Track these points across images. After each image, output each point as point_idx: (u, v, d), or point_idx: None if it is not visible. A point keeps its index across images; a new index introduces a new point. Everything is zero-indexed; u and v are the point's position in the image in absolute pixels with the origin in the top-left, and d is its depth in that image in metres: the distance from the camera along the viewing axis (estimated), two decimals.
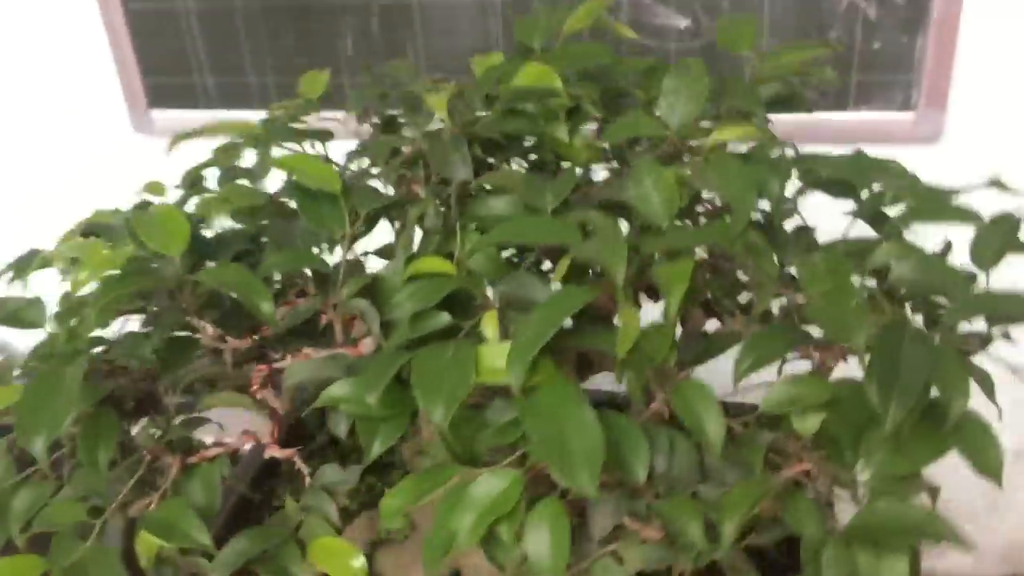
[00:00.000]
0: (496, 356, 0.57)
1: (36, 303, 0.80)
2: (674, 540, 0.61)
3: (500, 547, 0.62)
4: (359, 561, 0.66)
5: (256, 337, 0.65)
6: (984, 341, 0.65)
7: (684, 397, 0.61)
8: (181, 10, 1.42)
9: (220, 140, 0.73)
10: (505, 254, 0.67)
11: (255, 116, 0.73)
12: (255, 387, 0.65)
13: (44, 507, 0.70)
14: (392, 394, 0.61)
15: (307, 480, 0.75)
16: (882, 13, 1.20)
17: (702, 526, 0.58)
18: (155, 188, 0.69)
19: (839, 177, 0.69)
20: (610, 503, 0.62)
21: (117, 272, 0.60)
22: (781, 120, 0.76)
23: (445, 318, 0.61)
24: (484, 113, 0.69)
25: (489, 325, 0.59)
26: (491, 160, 0.68)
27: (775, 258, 0.66)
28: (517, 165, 0.70)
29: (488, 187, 0.66)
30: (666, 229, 0.60)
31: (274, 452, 0.74)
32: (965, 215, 0.67)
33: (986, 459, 0.62)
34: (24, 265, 0.72)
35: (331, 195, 0.63)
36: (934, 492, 0.64)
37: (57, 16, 1.53)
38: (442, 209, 0.64)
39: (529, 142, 0.70)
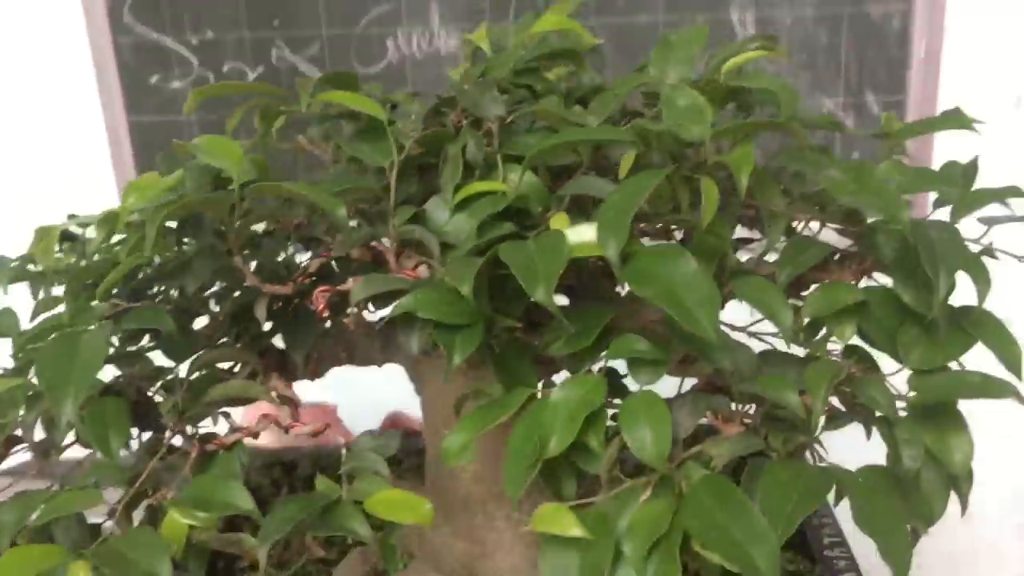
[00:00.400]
0: (583, 235, 0.57)
1: (8, 312, 0.74)
2: (756, 429, 0.61)
3: (589, 456, 0.59)
4: (427, 505, 0.61)
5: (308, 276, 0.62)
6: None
7: (750, 285, 0.62)
8: (184, 123, 1.44)
9: None
10: None
11: None
12: (320, 307, 0.61)
13: (52, 497, 0.62)
14: (465, 305, 0.59)
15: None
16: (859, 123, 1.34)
17: (798, 396, 0.58)
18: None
19: None
20: (689, 403, 0.62)
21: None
22: None
23: (510, 226, 0.61)
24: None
25: (560, 222, 0.59)
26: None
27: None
28: None
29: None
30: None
31: (300, 430, 0.69)
32: None
33: (1008, 354, 0.66)
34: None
35: (378, 126, 0.63)
36: None
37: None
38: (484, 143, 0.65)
39: None
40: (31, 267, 0.75)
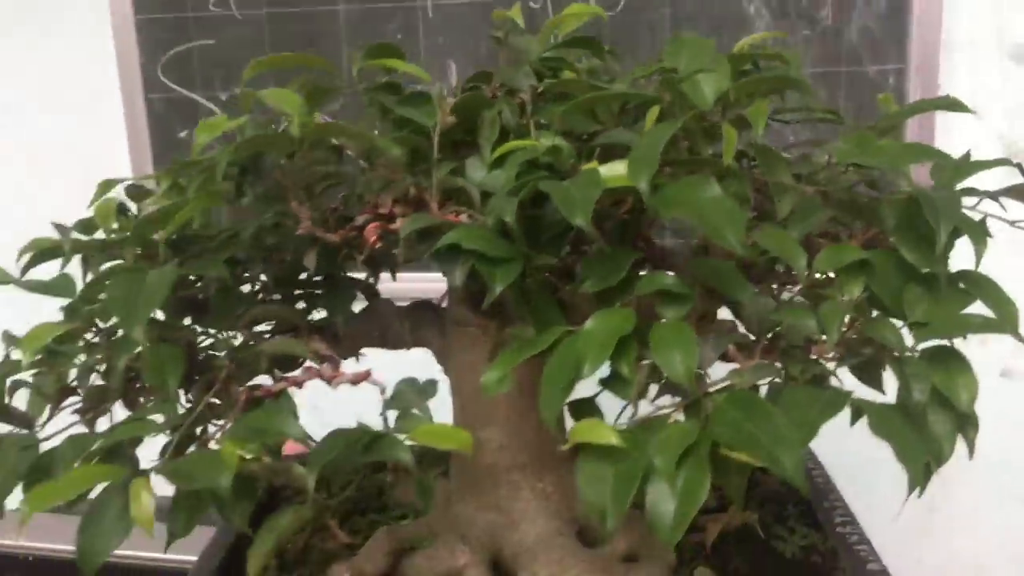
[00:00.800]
0: (615, 170, 0.62)
1: (65, 276, 0.78)
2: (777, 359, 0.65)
3: (622, 384, 0.63)
4: (467, 434, 0.65)
5: (354, 228, 0.67)
6: None
7: (767, 233, 0.67)
8: None
9: None
10: None
11: None
12: (372, 240, 0.66)
13: (111, 431, 0.65)
14: (505, 242, 0.64)
15: None
16: None
17: (815, 322, 0.63)
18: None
19: None
20: (712, 338, 0.66)
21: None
22: None
23: (544, 173, 0.66)
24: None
25: (591, 169, 0.65)
26: None
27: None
28: None
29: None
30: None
31: (343, 380, 0.72)
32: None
33: (1005, 312, 0.71)
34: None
35: (423, 93, 0.69)
36: None
37: None
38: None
39: None
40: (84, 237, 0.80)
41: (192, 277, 0.78)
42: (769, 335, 0.68)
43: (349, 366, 0.76)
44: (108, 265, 0.70)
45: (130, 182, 0.76)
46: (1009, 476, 1.67)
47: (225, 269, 0.69)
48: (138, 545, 1.28)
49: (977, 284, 0.72)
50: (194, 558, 0.94)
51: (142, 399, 0.76)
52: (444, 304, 0.88)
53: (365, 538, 0.91)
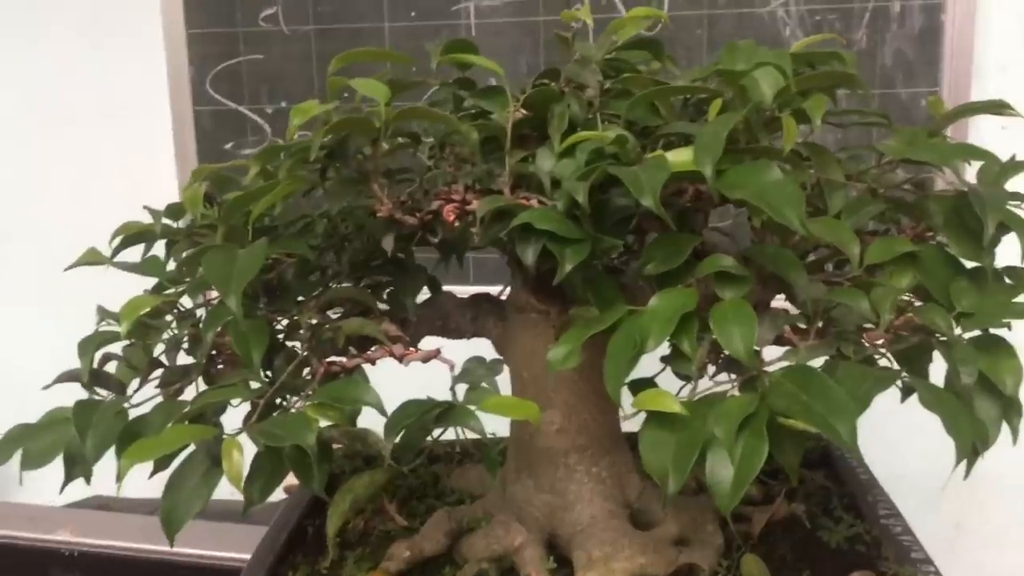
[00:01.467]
0: (681, 156, 0.66)
1: (154, 259, 0.84)
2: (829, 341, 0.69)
3: (683, 360, 0.67)
4: (535, 406, 0.68)
5: (429, 213, 0.71)
6: None
7: (823, 224, 0.71)
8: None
9: None
10: None
11: None
12: (451, 219, 0.70)
13: (209, 390, 0.70)
14: (575, 224, 0.68)
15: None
16: None
17: (868, 301, 0.66)
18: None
19: None
20: (768, 319, 0.69)
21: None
22: None
23: (612, 160, 0.70)
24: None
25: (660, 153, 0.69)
26: None
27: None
28: None
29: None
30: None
31: (414, 357, 0.76)
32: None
33: None
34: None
35: (497, 87, 0.74)
36: None
37: None
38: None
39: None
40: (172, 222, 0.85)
41: (268, 261, 0.82)
42: (821, 321, 0.72)
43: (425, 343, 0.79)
44: (196, 248, 0.75)
45: (223, 165, 0.81)
46: None
47: (310, 249, 0.74)
48: (189, 542, 1.33)
49: (1022, 278, 0.76)
50: (247, 556, 0.97)
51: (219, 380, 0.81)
52: (503, 296, 0.93)
53: (422, 522, 0.95)
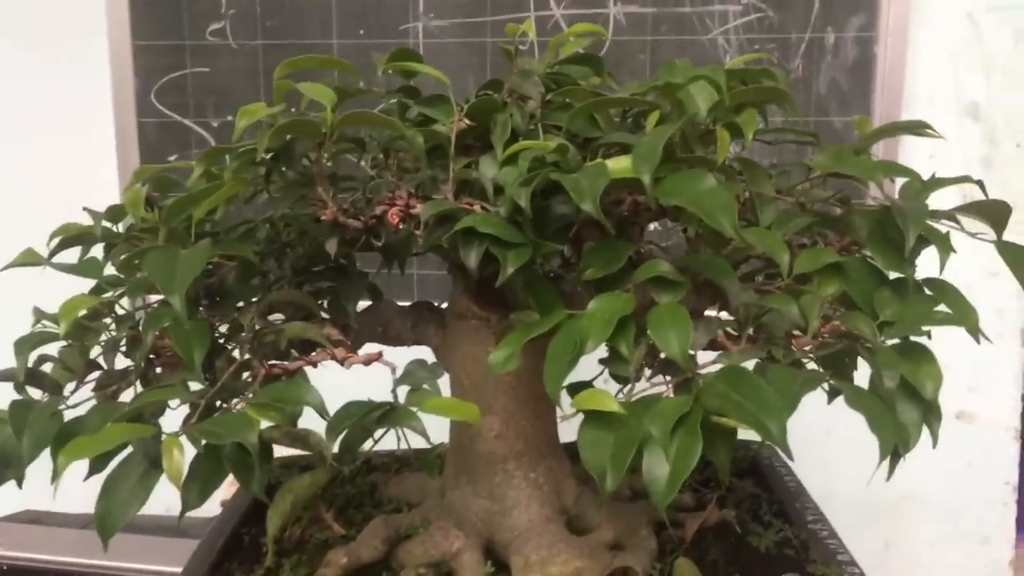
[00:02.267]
0: (620, 164, 0.68)
1: (92, 260, 0.83)
2: (762, 345, 0.71)
3: (621, 362, 0.69)
4: (475, 407, 0.69)
5: (373, 217, 0.72)
6: None
7: (754, 232, 0.73)
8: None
9: None
10: None
11: None
12: (395, 222, 0.71)
13: (147, 390, 0.69)
14: (517, 229, 0.70)
15: None
16: None
17: (798, 307, 0.69)
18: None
19: None
20: (702, 323, 0.72)
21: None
22: None
23: (553, 167, 0.72)
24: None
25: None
26: None
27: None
28: None
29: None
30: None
31: (356, 360, 0.77)
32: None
33: (966, 317, 0.77)
34: None
35: (442, 96, 0.76)
36: None
37: None
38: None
39: None
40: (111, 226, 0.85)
41: (209, 266, 0.82)
42: (752, 327, 0.74)
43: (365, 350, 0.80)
44: (136, 249, 0.75)
45: (165, 166, 0.81)
46: (963, 515, 1.76)
47: (252, 252, 0.74)
48: (122, 555, 1.31)
49: (941, 289, 0.79)
50: (178, 569, 0.96)
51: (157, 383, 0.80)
52: (443, 304, 0.94)
53: (359, 530, 0.95)
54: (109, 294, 0.77)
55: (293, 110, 0.73)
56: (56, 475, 0.64)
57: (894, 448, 0.71)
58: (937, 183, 0.82)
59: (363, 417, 0.70)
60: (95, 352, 0.78)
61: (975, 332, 0.76)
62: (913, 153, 1.52)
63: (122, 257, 0.75)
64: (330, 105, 0.68)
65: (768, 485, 1.06)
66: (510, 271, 0.68)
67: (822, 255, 0.77)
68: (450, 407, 0.70)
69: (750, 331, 0.73)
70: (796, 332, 0.76)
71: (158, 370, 0.81)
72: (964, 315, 0.77)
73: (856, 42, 1.56)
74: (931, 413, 0.74)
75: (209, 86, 1.68)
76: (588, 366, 0.74)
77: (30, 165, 1.82)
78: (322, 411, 0.69)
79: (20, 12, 1.77)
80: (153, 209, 0.85)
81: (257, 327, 0.78)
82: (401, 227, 0.71)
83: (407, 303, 0.95)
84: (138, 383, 0.79)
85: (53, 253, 0.83)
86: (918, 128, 0.85)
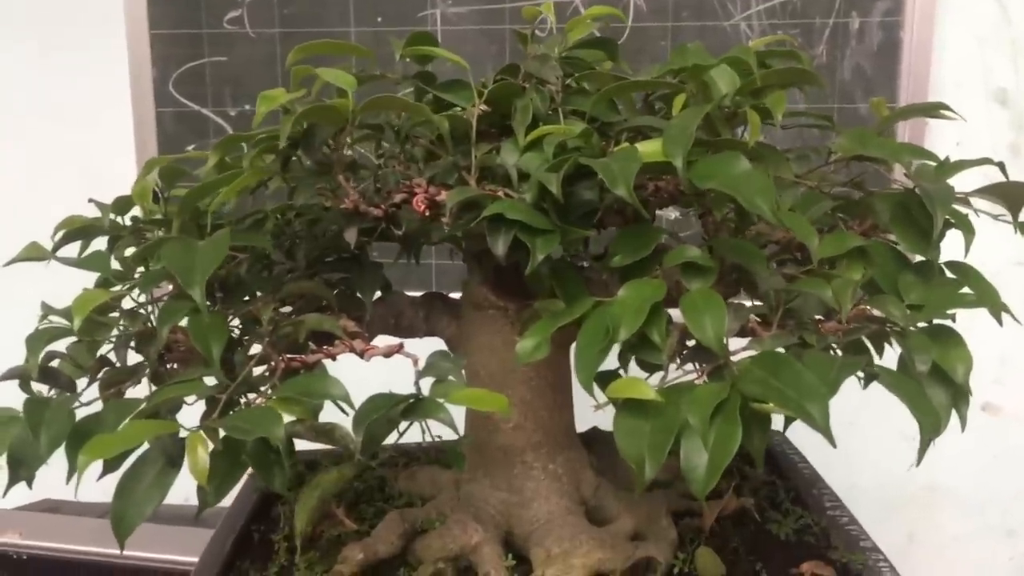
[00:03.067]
0: (650, 148, 0.67)
1: (100, 254, 0.81)
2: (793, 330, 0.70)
3: (652, 350, 0.68)
4: (504, 397, 0.68)
5: (393, 205, 0.71)
6: None
7: (785, 215, 0.72)
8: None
9: None
10: None
11: None
12: (421, 208, 0.69)
13: (165, 386, 0.67)
14: (544, 215, 0.68)
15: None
16: None
17: (831, 292, 0.68)
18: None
19: None
20: (734, 309, 0.70)
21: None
22: None
23: (578, 152, 0.71)
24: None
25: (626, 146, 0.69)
26: None
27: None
28: None
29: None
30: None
31: (376, 352, 0.75)
32: None
33: (989, 299, 0.77)
34: None
35: (461, 80, 0.74)
36: None
37: None
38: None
39: None
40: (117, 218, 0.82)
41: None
42: (781, 312, 0.73)
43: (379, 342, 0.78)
44: (150, 241, 0.72)
45: (178, 156, 0.79)
46: (989, 508, 1.75)
47: (268, 243, 0.72)
48: (141, 545, 1.29)
49: (964, 273, 0.79)
50: (196, 559, 0.94)
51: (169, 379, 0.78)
52: (456, 295, 0.92)
53: (372, 525, 0.93)
54: (117, 288, 0.74)
55: (310, 97, 0.71)
56: (79, 472, 0.62)
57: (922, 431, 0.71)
58: (955, 166, 0.81)
59: (389, 410, 0.68)
60: (105, 348, 0.76)
61: (998, 314, 0.75)
62: (939, 140, 1.51)
63: (130, 250, 0.72)
64: (350, 89, 0.66)
65: (783, 473, 1.05)
66: (540, 258, 0.66)
67: (847, 239, 0.76)
68: (478, 398, 0.69)
69: (779, 316, 0.72)
70: (818, 317, 0.75)
71: (170, 366, 0.79)
72: (987, 297, 0.77)
73: (881, 27, 1.54)
74: (960, 397, 0.74)
75: (227, 75, 1.66)
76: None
77: (49, 157, 1.80)
78: (349, 402, 0.67)
79: (37, 3, 1.74)
80: (159, 201, 0.82)
81: (275, 319, 0.76)
82: (428, 214, 0.69)
83: (419, 294, 0.93)
84: (146, 380, 0.77)
85: (57, 246, 0.81)
86: (936, 109, 0.85)
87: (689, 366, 0.71)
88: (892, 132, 0.86)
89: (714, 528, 0.93)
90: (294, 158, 0.72)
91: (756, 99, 0.74)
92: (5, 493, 0.71)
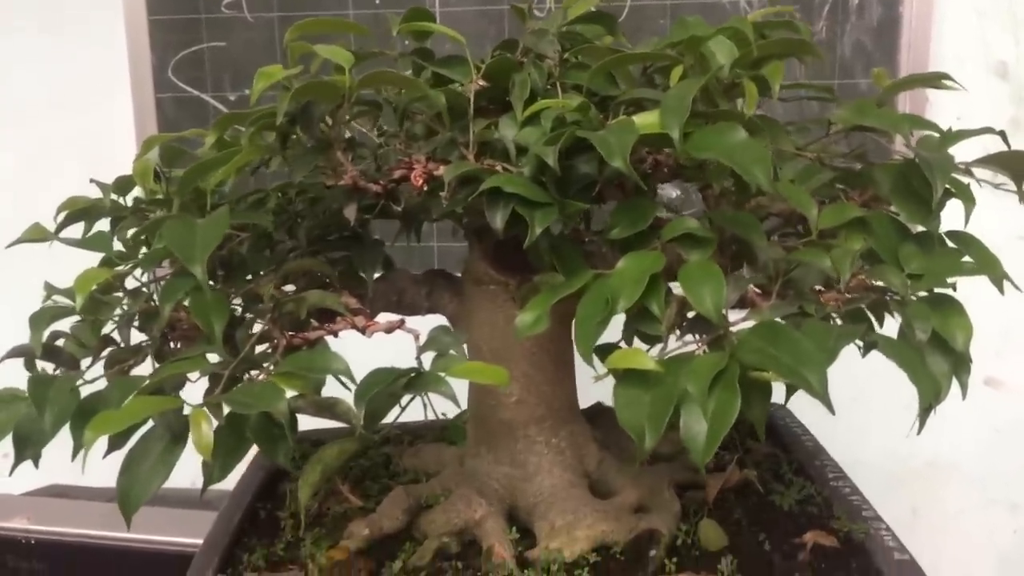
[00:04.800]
0: (647, 120, 0.67)
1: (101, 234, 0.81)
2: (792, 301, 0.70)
3: (651, 321, 0.68)
4: (503, 369, 0.68)
5: (392, 181, 0.71)
6: None
7: (783, 185, 0.72)
8: None
9: None
10: None
11: None
12: (420, 183, 0.69)
13: (167, 363, 0.68)
14: (543, 189, 0.69)
15: None
16: None
17: (829, 261, 0.68)
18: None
19: None
20: (732, 279, 0.71)
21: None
22: None
23: (576, 126, 0.71)
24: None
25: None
26: None
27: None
28: None
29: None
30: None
31: (377, 328, 0.76)
32: None
33: (990, 268, 0.77)
34: None
35: (459, 56, 0.74)
36: None
37: None
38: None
39: None
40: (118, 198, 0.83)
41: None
42: (780, 282, 0.73)
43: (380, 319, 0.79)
44: (150, 220, 0.73)
45: (175, 136, 0.79)
46: (992, 481, 1.74)
47: (268, 220, 0.72)
48: (148, 528, 1.31)
49: (965, 241, 0.79)
50: (198, 541, 0.95)
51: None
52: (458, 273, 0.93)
53: (377, 502, 0.94)
54: (120, 267, 0.75)
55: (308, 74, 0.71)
56: (84, 449, 0.62)
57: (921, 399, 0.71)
58: (956, 135, 0.81)
59: (390, 384, 0.68)
60: (108, 327, 0.76)
61: (1000, 283, 0.75)
62: (941, 114, 1.49)
63: (132, 230, 0.73)
64: (348, 66, 0.66)
65: (785, 445, 1.06)
66: (538, 231, 0.66)
67: (846, 210, 0.76)
68: (478, 371, 0.69)
69: (778, 286, 0.72)
70: (818, 287, 0.75)
71: (172, 344, 0.80)
72: (988, 266, 0.77)
73: (881, 2, 1.53)
74: (961, 365, 0.74)
75: (225, 60, 1.66)
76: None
77: (50, 144, 1.80)
78: (350, 376, 0.68)
79: None
80: (160, 180, 0.83)
81: (277, 296, 0.77)
82: (425, 188, 0.69)
83: (420, 272, 0.94)
84: (150, 358, 0.78)
85: (60, 228, 0.81)
86: (937, 79, 0.84)
87: (688, 337, 0.71)
88: (893, 106, 0.85)
89: (717, 500, 0.93)
90: (293, 136, 0.72)
91: (754, 70, 0.73)
92: (12, 472, 0.72)
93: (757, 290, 0.72)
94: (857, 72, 1.55)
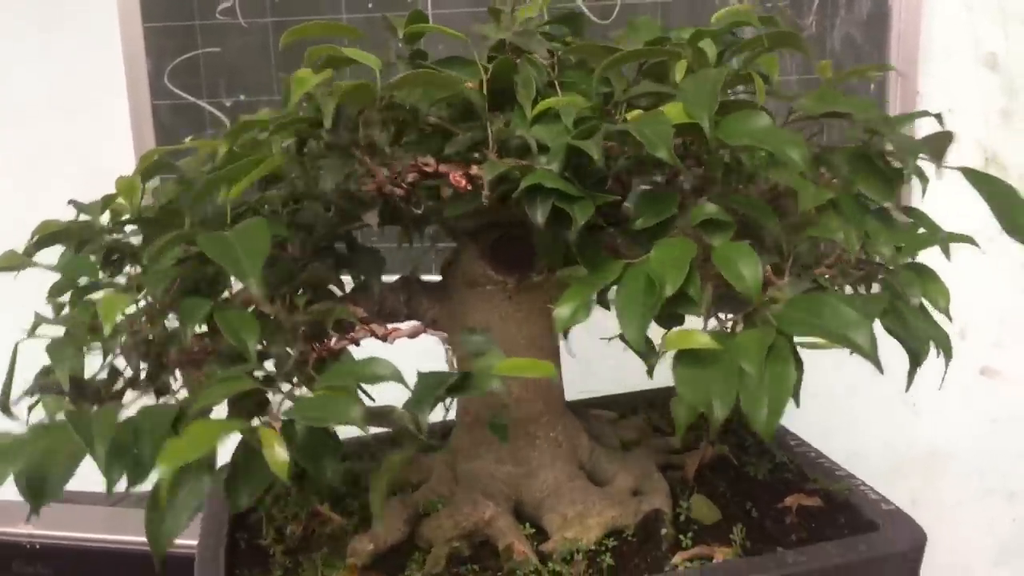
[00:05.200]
0: (672, 111, 0.70)
1: None
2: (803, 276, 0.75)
3: (690, 304, 0.71)
4: (550, 363, 0.69)
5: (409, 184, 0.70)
6: None
7: (778, 169, 0.77)
8: None
9: None
10: None
11: None
12: (462, 184, 0.69)
13: (211, 385, 0.64)
14: (575, 184, 0.70)
15: None
16: None
17: (843, 234, 0.73)
18: None
19: None
20: None
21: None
22: None
23: (598, 121, 0.73)
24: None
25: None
26: None
27: None
28: None
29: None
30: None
31: (400, 335, 0.75)
32: None
33: (936, 237, 0.85)
34: None
35: (464, 57, 0.74)
36: None
37: None
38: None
39: None
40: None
41: None
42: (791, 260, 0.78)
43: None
44: (172, 235, 0.69)
45: (171, 149, 0.75)
46: (990, 471, 1.76)
47: (287, 231, 0.70)
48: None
49: (917, 216, 0.86)
50: (193, 542, 0.92)
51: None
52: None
53: (361, 518, 0.92)
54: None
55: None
56: (163, 483, 0.58)
57: (915, 358, 0.77)
58: (900, 120, 0.89)
59: (439, 387, 0.68)
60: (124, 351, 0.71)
61: (946, 248, 0.83)
62: (931, 106, 1.45)
63: (153, 244, 0.68)
64: (376, 68, 0.66)
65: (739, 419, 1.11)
66: (580, 224, 0.68)
67: (822, 191, 0.82)
68: (526, 366, 0.70)
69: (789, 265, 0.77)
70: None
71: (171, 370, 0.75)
72: (934, 236, 0.84)
73: None
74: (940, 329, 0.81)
75: (221, 66, 1.63)
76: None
77: (46, 151, 1.73)
78: (402, 381, 0.66)
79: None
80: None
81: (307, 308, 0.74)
82: (469, 188, 0.69)
83: (394, 278, 0.92)
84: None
85: (30, 252, 0.75)
86: (882, 71, 0.92)
87: (714, 319, 0.74)
88: (884, 102, 0.92)
89: (697, 477, 0.98)
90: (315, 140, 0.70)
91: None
92: (28, 519, 0.66)
93: (779, 262, 0.76)
94: (847, 65, 1.58)
